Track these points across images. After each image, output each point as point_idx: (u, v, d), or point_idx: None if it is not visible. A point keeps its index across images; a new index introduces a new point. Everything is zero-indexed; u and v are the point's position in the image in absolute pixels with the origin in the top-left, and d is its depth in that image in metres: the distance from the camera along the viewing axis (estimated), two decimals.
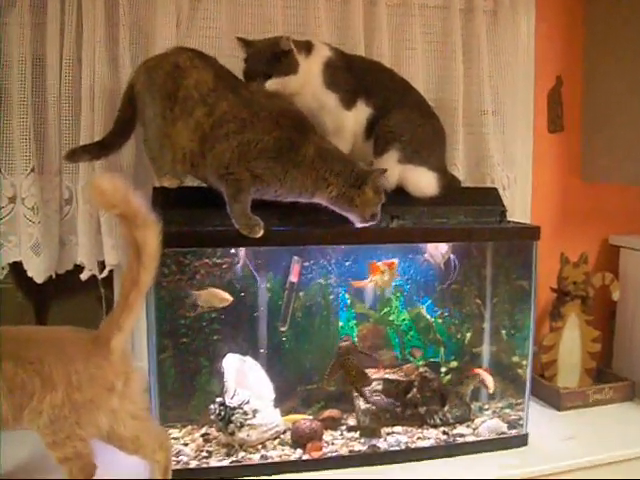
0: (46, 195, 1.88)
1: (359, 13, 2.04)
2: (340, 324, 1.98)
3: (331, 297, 1.95)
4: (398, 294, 2.00)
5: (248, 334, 1.89)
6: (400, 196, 1.80)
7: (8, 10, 1.77)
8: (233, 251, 1.84)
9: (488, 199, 1.92)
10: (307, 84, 1.73)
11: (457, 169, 2.16)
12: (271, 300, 1.91)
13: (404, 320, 2.02)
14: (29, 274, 1.85)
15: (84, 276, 1.90)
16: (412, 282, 2.01)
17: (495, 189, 2.00)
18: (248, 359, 1.84)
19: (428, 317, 2.02)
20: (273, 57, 1.68)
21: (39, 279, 1.86)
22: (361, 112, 1.80)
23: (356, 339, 1.97)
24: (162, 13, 1.87)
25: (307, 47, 1.75)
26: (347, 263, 1.93)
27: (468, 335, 2.04)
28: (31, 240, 1.83)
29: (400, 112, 1.80)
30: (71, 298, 2.17)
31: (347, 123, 1.79)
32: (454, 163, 2.15)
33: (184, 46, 1.75)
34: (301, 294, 1.92)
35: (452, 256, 1.94)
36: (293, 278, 1.88)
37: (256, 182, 1.57)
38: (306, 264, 1.91)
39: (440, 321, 2.03)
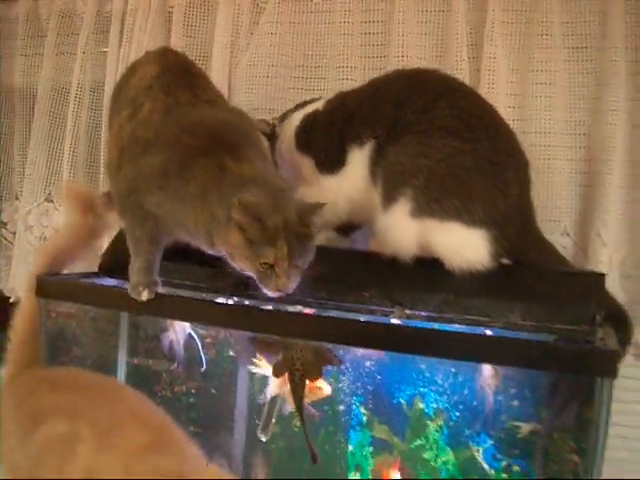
0: None
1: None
2: (350, 448, 1.39)
3: (340, 407, 1.39)
4: (441, 422, 1.33)
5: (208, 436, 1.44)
6: (417, 273, 1.18)
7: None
8: None
9: (578, 292, 1.13)
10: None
11: (601, 239, 1.47)
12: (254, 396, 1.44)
13: (446, 463, 1.33)
14: None
15: None
16: (465, 409, 1.32)
17: (599, 276, 1.17)
18: None
19: (485, 466, 1.30)
20: None
21: None
22: (358, 160, 1.26)
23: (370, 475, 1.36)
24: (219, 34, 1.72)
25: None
26: (367, 363, 1.36)
27: None
28: None
29: (416, 137, 1.17)
30: None
31: (327, 195, 1.26)
32: (597, 232, 1.48)
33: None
34: None
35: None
36: None
37: (159, 223, 1.17)
38: None
39: (504, 476, 1.29)
